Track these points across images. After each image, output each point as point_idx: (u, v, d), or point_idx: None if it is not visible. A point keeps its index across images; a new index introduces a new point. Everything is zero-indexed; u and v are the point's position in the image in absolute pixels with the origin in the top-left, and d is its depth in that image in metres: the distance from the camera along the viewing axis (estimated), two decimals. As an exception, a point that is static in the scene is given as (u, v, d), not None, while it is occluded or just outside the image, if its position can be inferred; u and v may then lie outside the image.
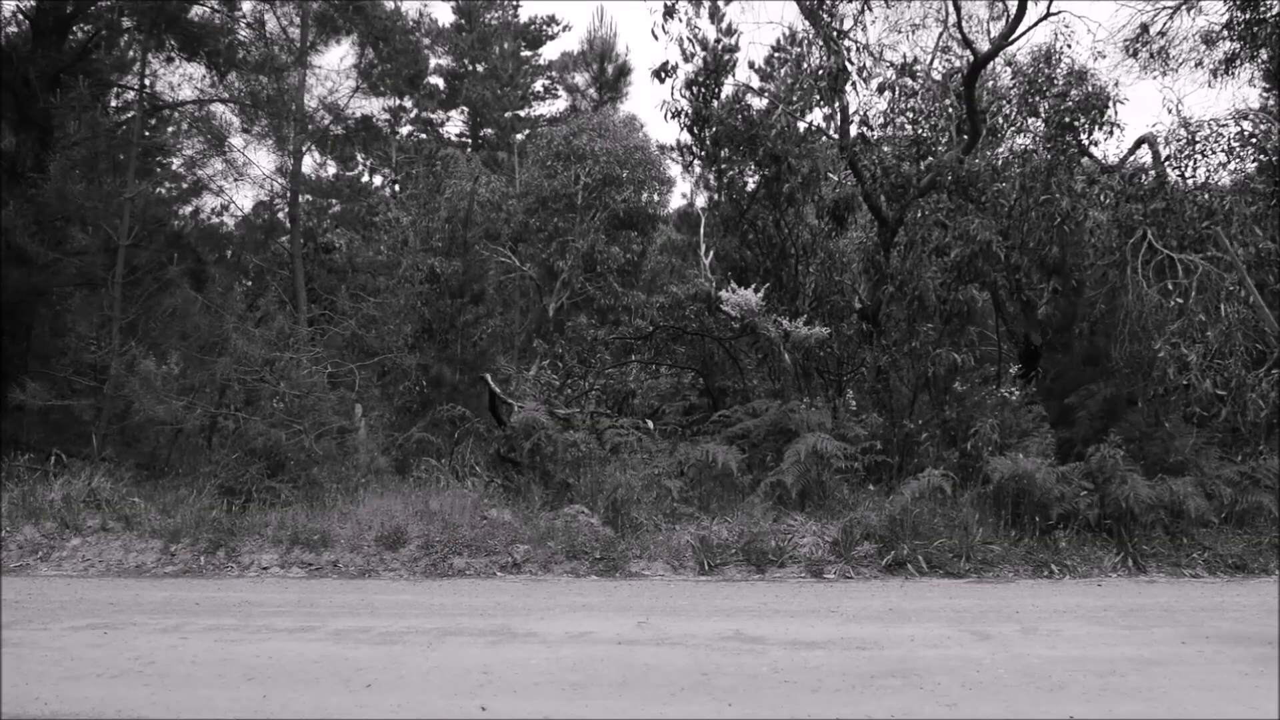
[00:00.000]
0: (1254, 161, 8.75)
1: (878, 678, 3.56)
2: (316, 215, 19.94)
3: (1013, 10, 9.17)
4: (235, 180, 15.25)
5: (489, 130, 25.07)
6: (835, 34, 9.38)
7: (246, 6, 13.00)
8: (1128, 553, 6.21)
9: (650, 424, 9.11)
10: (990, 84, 10.33)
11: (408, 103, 23.60)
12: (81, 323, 11.14)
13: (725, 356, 10.22)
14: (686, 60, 9.92)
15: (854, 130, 9.82)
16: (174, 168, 14.96)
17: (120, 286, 9.99)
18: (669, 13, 9.77)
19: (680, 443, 8.44)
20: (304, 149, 17.10)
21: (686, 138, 10.57)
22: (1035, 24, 9.35)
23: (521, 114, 25.18)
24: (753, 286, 8.84)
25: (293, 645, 4.19)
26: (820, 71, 9.36)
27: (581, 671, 3.71)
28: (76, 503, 7.21)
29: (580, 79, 24.62)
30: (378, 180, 22.49)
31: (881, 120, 9.99)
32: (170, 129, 14.36)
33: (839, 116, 9.84)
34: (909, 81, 9.72)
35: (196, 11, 11.97)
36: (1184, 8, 10.44)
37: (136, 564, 6.42)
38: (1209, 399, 7.19)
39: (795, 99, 9.72)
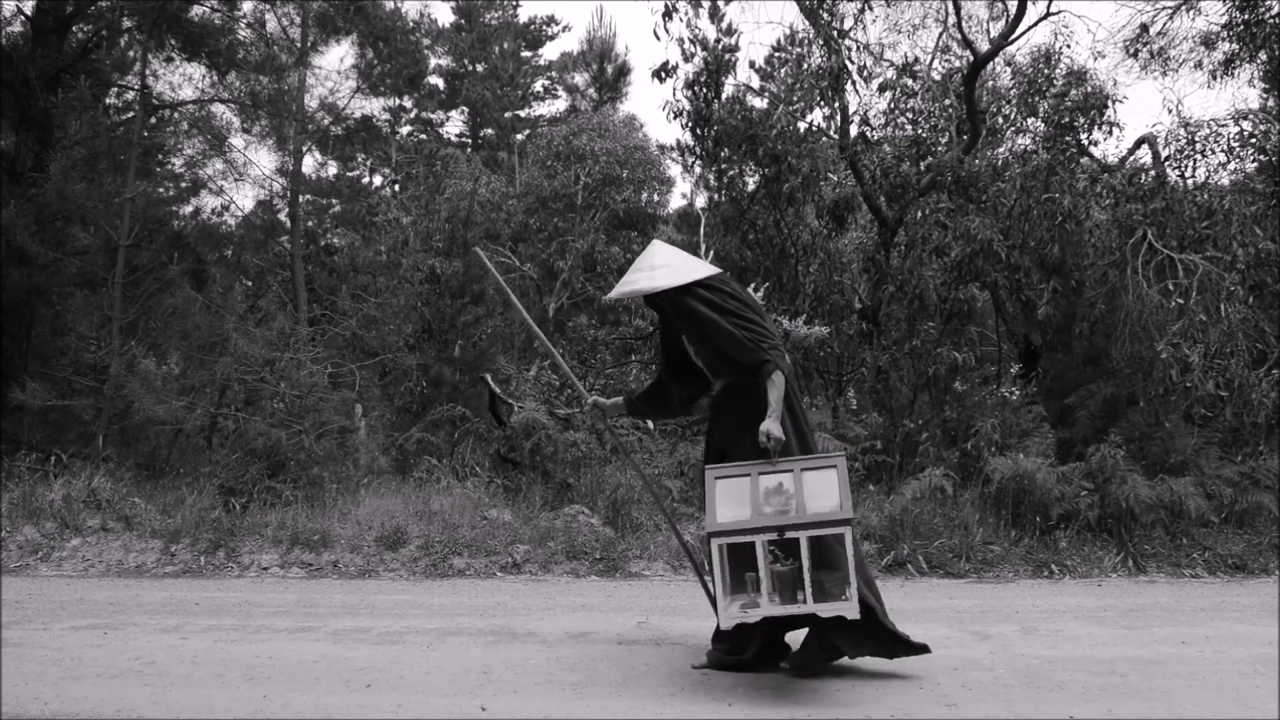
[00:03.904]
0: (1254, 161, 8.76)
1: (878, 678, 3.56)
2: (317, 215, 19.99)
3: (1013, 10, 9.19)
4: (235, 180, 15.29)
5: (489, 130, 25.09)
6: (835, 34, 9.39)
7: (247, 6, 13.04)
8: (1128, 553, 6.21)
9: (650, 424, 9.10)
10: (990, 84, 10.34)
11: (408, 103, 23.64)
12: (81, 323, 11.12)
13: (725, 356, 10.19)
14: (687, 60, 9.92)
15: (854, 130, 9.83)
16: (174, 168, 14.98)
17: (120, 286, 9.99)
18: (669, 13, 9.76)
19: (680, 443, 8.43)
20: (304, 149, 17.16)
21: (687, 138, 10.57)
22: (1035, 24, 9.38)
23: (521, 114, 25.22)
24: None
25: (292, 645, 4.19)
26: (820, 71, 9.36)
27: (581, 671, 3.71)
28: (76, 503, 7.21)
29: (580, 79, 24.67)
30: (378, 180, 22.55)
31: (881, 120, 10.01)
32: (170, 129, 14.36)
33: (839, 116, 9.84)
34: (909, 81, 9.73)
35: (196, 11, 11.99)
36: (1183, 8, 10.44)
37: (136, 564, 6.42)
38: (1210, 399, 7.19)
39: (795, 99, 9.71)
